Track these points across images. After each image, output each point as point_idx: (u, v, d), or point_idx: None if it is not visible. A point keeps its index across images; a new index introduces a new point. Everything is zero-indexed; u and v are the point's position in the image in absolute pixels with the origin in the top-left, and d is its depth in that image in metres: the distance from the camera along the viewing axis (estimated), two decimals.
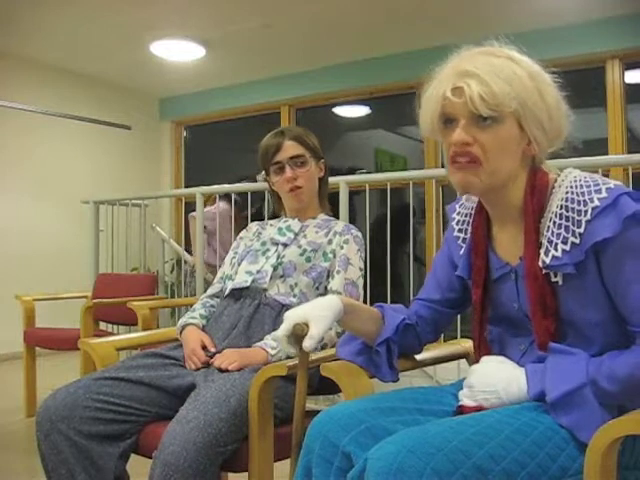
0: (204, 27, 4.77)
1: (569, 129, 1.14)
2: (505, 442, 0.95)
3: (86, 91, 5.86)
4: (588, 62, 4.51)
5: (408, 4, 4.30)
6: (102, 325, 3.74)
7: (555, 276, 1.08)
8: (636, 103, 4.58)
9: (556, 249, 1.06)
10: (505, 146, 1.08)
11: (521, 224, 1.13)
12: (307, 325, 1.19)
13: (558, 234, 1.07)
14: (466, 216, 1.28)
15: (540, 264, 1.08)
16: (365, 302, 2.99)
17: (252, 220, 2.19)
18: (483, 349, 1.23)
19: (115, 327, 4.03)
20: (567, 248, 1.05)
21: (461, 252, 1.26)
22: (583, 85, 4.77)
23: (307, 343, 1.17)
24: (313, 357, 1.41)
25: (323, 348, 1.63)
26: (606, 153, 4.38)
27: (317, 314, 1.19)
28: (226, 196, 4.04)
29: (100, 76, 5.88)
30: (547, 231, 1.09)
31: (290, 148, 1.84)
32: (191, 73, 5.77)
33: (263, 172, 1.94)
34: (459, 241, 1.28)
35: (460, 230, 1.29)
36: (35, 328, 3.48)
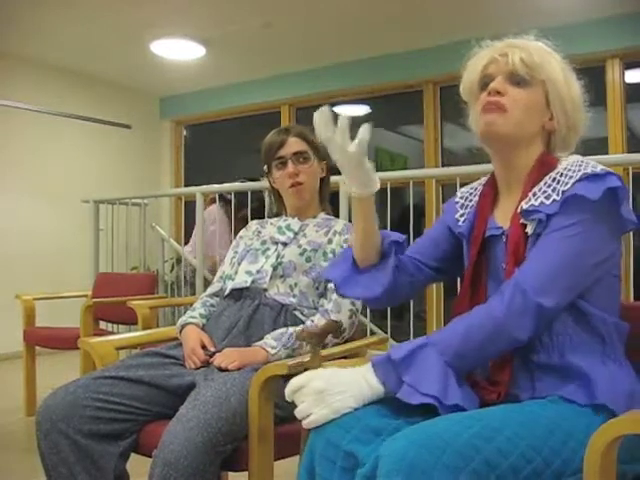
0: (204, 26, 4.77)
1: (584, 130, 1.26)
2: (512, 436, 0.96)
3: (86, 90, 5.86)
4: (588, 61, 4.49)
5: (408, 3, 4.29)
6: (102, 324, 3.73)
7: (529, 225, 1.16)
8: (636, 102, 4.58)
9: (536, 200, 1.15)
10: (530, 107, 1.20)
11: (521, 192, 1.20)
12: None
13: (544, 191, 1.16)
14: (470, 195, 1.36)
15: (518, 210, 1.17)
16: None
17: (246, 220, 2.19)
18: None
19: (115, 326, 4.03)
20: (547, 202, 1.14)
21: (460, 222, 1.32)
22: (583, 84, 4.76)
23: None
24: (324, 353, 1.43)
25: (324, 347, 1.63)
26: (606, 152, 4.38)
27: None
28: (221, 198, 4.04)
29: (100, 75, 5.88)
30: (536, 188, 1.17)
31: (294, 144, 1.85)
32: (191, 72, 5.78)
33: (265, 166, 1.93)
34: (457, 215, 1.34)
35: (463, 206, 1.35)
36: (35, 327, 3.48)
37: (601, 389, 1.07)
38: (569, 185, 1.12)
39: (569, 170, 1.15)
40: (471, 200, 1.34)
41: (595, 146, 4.77)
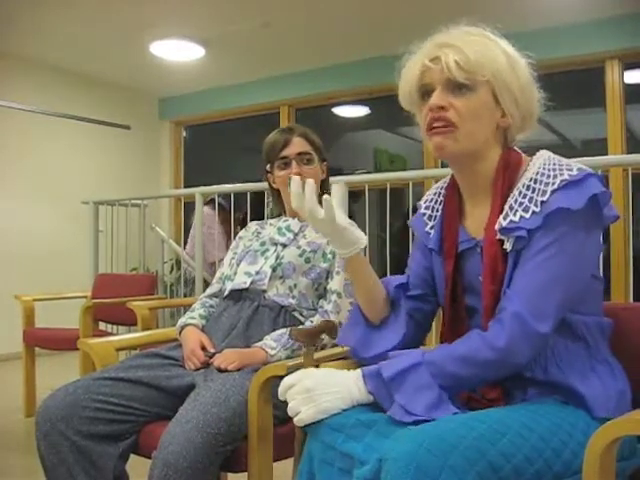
0: (203, 27, 4.77)
1: (539, 111, 1.19)
2: (515, 438, 0.96)
3: (86, 91, 5.85)
4: (587, 62, 4.50)
5: (408, 4, 4.29)
6: (101, 325, 3.73)
7: (507, 241, 1.11)
8: (635, 103, 4.58)
9: (515, 215, 1.10)
10: (479, 113, 1.12)
11: (490, 200, 1.16)
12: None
13: (521, 203, 1.10)
14: (435, 202, 1.30)
15: (496, 227, 1.11)
16: None
17: (237, 224, 2.19)
18: (454, 326, 1.21)
19: (114, 327, 4.03)
20: (527, 216, 1.08)
21: (431, 236, 1.27)
22: (583, 85, 4.76)
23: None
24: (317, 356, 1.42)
25: (323, 348, 1.63)
26: (605, 153, 4.38)
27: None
28: (211, 201, 4.04)
29: (100, 76, 5.87)
30: (512, 199, 1.12)
31: (298, 144, 1.84)
32: (190, 73, 5.77)
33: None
34: (427, 228, 1.29)
35: (430, 217, 1.30)
36: (34, 328, 3.48)
37: (598, 405, 1.06)
38: (547, 194, 1.07)
39: (543, 175, 1.09)
40: (437, 209, 1.29)
41: (594, 147, 4.78)
